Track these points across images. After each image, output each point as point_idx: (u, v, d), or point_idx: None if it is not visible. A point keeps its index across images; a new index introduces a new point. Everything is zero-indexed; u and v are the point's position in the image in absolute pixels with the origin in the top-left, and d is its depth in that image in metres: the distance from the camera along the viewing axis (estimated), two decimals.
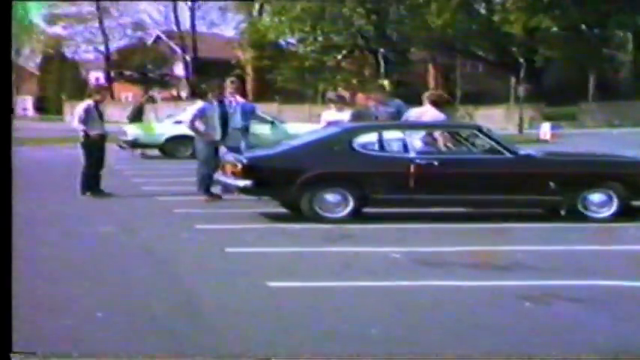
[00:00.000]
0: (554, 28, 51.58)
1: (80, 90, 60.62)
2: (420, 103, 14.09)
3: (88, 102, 14.94)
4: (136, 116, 28.20)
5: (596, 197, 11.69)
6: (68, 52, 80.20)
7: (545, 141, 34.65)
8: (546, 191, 11.65)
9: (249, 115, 15.78)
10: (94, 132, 14.72)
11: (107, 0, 73.67)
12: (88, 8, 75.91)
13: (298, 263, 8.86)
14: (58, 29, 77.40)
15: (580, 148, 22.82)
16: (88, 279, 8.04)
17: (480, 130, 12.39)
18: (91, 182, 14.64)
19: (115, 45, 78.72)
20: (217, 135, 14.44)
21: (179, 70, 76.35)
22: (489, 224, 11.42)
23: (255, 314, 6.66)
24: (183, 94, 71.55)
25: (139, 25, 78.17)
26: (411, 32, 54.05)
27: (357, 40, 57.05)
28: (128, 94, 78.55)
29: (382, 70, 52.00)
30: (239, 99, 15.79)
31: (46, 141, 33.65)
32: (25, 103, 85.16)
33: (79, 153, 14.95)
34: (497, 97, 53.35)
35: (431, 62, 61.48)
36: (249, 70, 63.46)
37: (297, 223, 11.30)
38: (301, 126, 23.56)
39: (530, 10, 50.28)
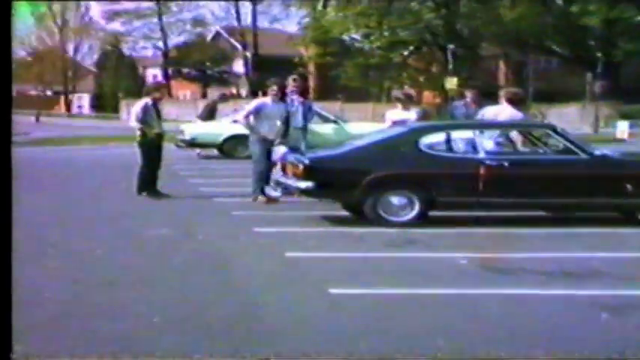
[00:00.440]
0: (638, 18, 50.50)
1: (137, 87, 61.41)
2: (493, 101, 14.01)
3: (146, 100, 15.06)
4: (209, 116, 28.33)
5: None
6: (126, 49, 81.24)
7: (623, 140, 34.12)
8: (623, 194, 11.47)
9: (307, 114, 15.77)
10: (151, 131, 14.85)
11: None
12: (147, 4, 76.87)
13: (361, 269, 8.83)
14: (116, 25, 78.54)
15: None
16: (143, 282, 8.12)
17: (554, 129, 12.25)
18: (148, 182, 14.77)
19: (173, 41, 79.56)
20: (273, 134, 14.44)
21: (239, 67, 76.73)
22: (562, 229, 11.27)
23: (315, 322, 6.66)
24: (243, 92, 71.88)
25: (198, 21, 78.78)
26: (482, 27, 53.52)
27: (424, 36, 56.69)
28: (186, 92, 79.30)
29: (450, 66, 51.62)
30: (299, 97, 15.80)
31: (102, 139, 34.14)
32: (81, 101, 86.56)
33: (136, 152, 15.10)
34: (572, 94, 52.60)
35: (502, 58, 60.88)
36: (311, 67, 63.52)
37: (360, 227, 11.27)
38: (365, 125, 23.48)
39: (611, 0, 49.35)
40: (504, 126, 12.96)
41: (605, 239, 10.64)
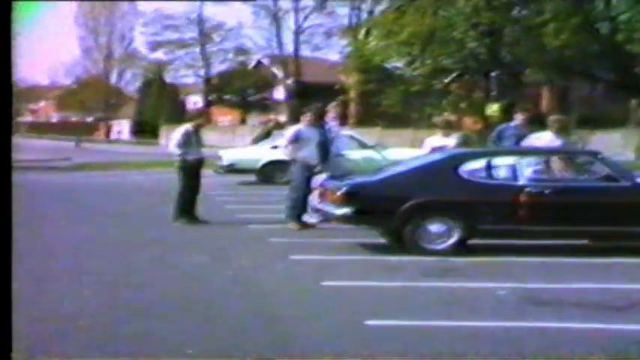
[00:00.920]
0: None
1: (177, 114, 61.85)
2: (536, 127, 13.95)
3: (187, 126, 15.11)
4: (264, 140, 28.35)
5: None
6: (168, 77, 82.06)
7: None
8: None
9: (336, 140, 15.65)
10: (191, 156, 14.88)
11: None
12: (190, 34, 77.68)
13: (398, 300, 8.69)
14: (159, 55, 79.46)
15: None
16: (177, 311, 8.05)
17: (596, 156, 12.07)
18: (186, 208, 14.78)
19: (215, 69, 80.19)
20: (313, 160, 14.39)
21: (279, 94, 77.07)
22: (605, 259, 11.05)
23: (352, 355, 6.52)
24: (283, 118, 72.12)
25: (240, 50, 79.39)
26: (525, 54, 53.27)
27: (468, 63, 56.53)
28: (225, 117, 79.71)
29: (493, 93, 51.37)
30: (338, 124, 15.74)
31: (141, 165, 34.32)
32: (120, 127, 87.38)
33: (175, 177, 15.11)
34: (615, 120, 52.12)
35: (546, 84, 60.53)
36: (352, 94, 63.59)
37: (398, 255, 11.15)
38: (404, 151, 23.36)
39: None
40: (546, 152, 12.80)
41: None
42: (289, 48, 74.47)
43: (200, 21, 77.05)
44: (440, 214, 11.43)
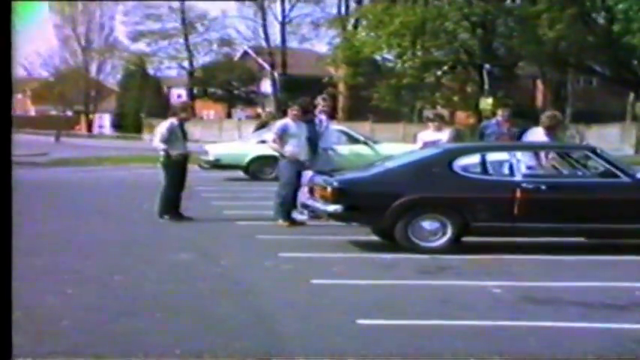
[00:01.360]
0: None
1: (161, 107, 61.67)
2: (525, 120, 13.98)
3: (172, 120, 15.05)
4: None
5: None
6: (151, 69, 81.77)
7: None
8: None
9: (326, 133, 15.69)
10: (176, 151, 14.82)
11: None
12: (173, 24, 77.45)
13: (390, 298, 8.72)
14: (141, 45, 79.12)
15: None
16: (163, 310, 8.05)
17: (593, 151, 12.09)
18: (170, 204, 14.75)
19: (199, 61, 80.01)
20: (302, 155, 14.40)
21: (266, 87, 76.96)
22: (603, 256, 11.11)
23: (342, 356, 6.54)
24: (268, 111, 72.03)
25: (225, 41, 79.18)
26: (519, 46, 53.32)
27: (460, 55, 56.56)
28: (210, 111, 79.60)
29: (486, 86, 51.44)
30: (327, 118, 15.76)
31: (123, 160, 34.24)
32: (101, 120, 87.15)
33: (159, 173, 15.09)
34: (612, 114, 52.27)
35: (540, 78, 60.69)
36: (341, 87, 63.59)
37: (390, 253, 11.18)
38: (396, 146, 23.39)
39: None
40: (542, 147, 12.84)
41: None
42: (276, 39, 74.33)
43: (183, 10, 76.78)
44: (433, 210, 11.44)
